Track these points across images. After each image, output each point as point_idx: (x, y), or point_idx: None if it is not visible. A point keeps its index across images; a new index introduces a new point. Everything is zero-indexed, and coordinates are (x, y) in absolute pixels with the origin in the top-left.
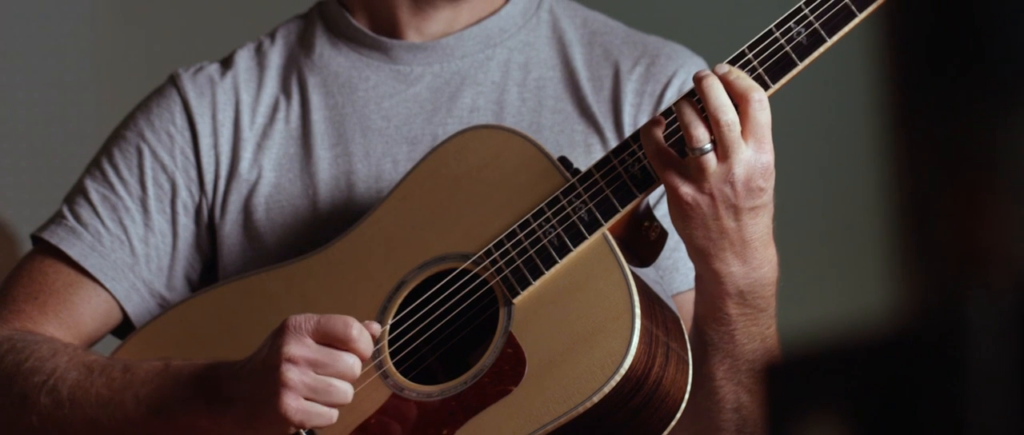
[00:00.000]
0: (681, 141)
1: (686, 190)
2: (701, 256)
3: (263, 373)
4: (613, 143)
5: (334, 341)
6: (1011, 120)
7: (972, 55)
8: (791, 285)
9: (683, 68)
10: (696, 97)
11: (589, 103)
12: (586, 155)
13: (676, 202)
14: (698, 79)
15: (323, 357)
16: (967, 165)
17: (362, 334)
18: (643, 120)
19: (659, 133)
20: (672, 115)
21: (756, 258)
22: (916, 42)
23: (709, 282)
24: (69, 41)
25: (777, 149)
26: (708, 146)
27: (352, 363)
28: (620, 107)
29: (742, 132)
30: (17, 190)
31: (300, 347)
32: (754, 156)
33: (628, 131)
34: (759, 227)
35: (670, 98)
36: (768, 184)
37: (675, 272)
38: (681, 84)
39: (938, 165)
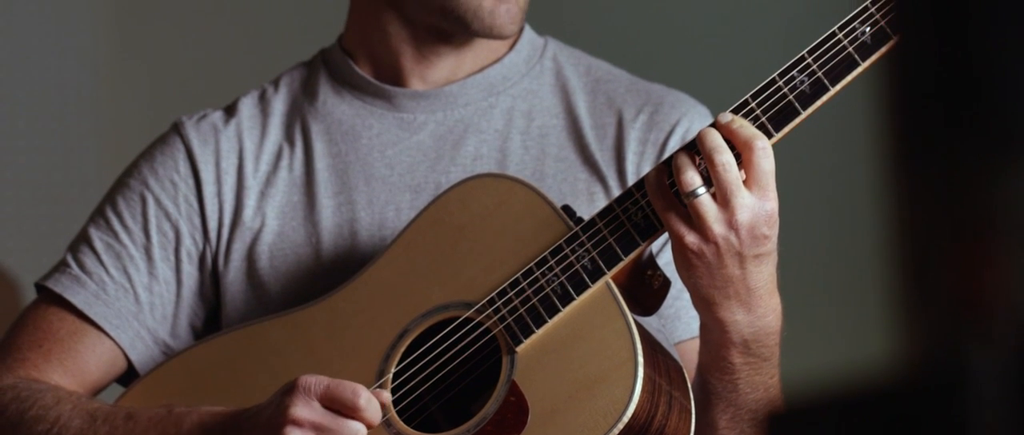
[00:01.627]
0: None
1: (691, 239)
2: (705, 304)
3: (267, 430)
4: (616, 191)
5: (342, 407)
6: (1012, 171)
7: (973, 106)
8: (793, 333)
9: (686, 116)
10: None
11: (592, 151)
12: (589, 203)
13: (681, 250)
14: (698, 132)
15: (328, 422)
16: (968, 215)
17: (370, 403)
18: (646, 168)
19: (663, 181)
20: None
21: (761, 306)
22: (918, 92)
23: (713, 331)
24: (72, 89)
25: (779, 198)
26: (701, 190)
27: (356, 430)
28: (623, 155)
29: (746, 180)
30: (20, 238)
31: (306, 410)
32: (758, 203)
33: (631, 179)
34: (763, 275)
35: (673, 146)
36: (772, 232)
37: (677, 320)
38: (685, 132)
39: (939, 215)
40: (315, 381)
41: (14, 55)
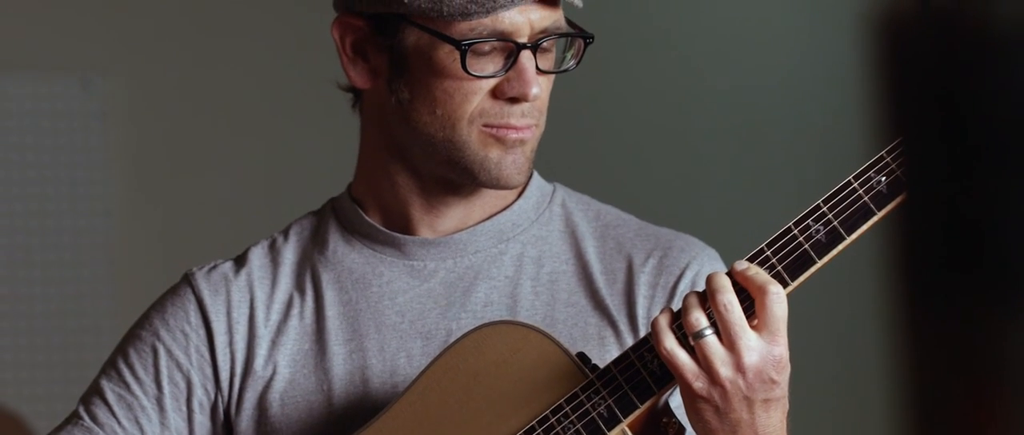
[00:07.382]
0: None
1: (699, 385)
2: None
3: None
4: (627, 336)
5: None
6: (1017, 322)
7: (980, 258)
8: None
9: (696, 260)
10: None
11: (603, 296)
12: (600, 348)
13: (689, 394)
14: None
15: None
16: (974, 365)
17: None
18: (656, 313)
19: (670, 324)
20: None
21: None
22: (926, 243)
23: None
24: (85, 239)
25: (790, 346)
26: (707, 331)
27: None
28: (634, 300)
29: (757, 325)
30: (33, 387)
31: None
32: (766, 347)
33: (642, 324)
34: (773, 421)
35: (683, 290)
36: (781, 377)
37: None
38: (694, 275)
39: (946, 365)
40: None
41: (30, 204)
